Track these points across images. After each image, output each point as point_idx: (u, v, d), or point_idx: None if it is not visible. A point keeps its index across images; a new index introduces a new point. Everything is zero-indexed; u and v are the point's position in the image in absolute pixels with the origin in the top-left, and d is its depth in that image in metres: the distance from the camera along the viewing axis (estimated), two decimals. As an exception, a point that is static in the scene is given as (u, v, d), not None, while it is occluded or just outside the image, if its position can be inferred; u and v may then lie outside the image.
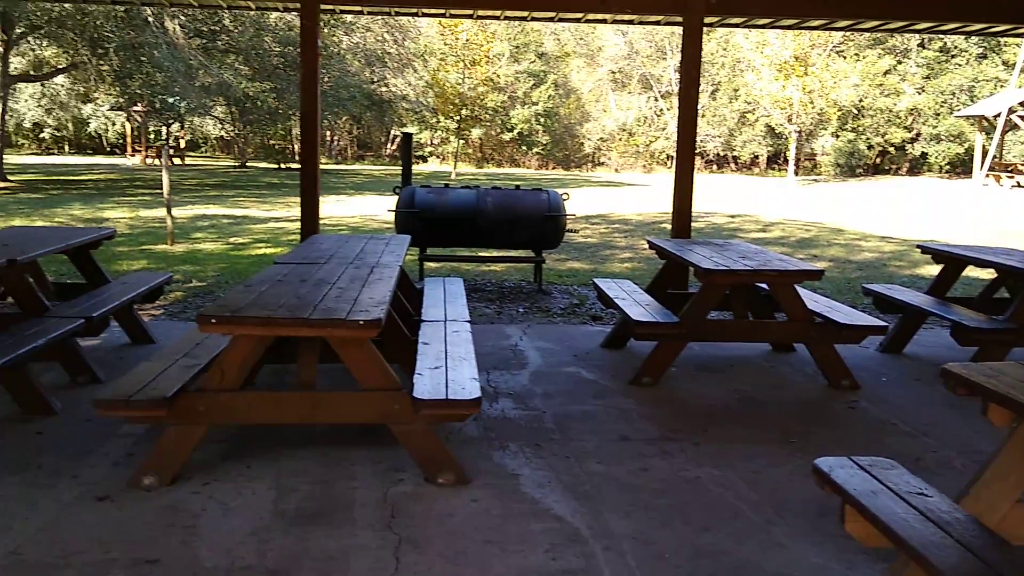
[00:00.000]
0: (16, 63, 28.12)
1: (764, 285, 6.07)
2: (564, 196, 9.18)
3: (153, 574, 3.03)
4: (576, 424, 4.81)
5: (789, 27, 7.97)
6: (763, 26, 7.96)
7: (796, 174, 37.37)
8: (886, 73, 39.68)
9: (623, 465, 4.21)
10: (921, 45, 41.45)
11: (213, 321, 3.53)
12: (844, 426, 4.97)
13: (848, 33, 38.70)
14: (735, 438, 4.66)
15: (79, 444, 4.29)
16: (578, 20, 8.17)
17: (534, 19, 8.31)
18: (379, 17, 32.63)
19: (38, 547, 3.20)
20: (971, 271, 7.39)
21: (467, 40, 35.19)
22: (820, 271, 5.40)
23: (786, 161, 45.30)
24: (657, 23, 8.02)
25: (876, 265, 11.69)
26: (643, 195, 26.71)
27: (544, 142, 49.63)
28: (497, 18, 8.27)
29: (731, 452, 4.43)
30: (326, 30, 28.91)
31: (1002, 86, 38.19)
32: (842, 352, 5.71)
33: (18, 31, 24.26)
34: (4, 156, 25.84)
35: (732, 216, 18.55)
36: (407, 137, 9.53)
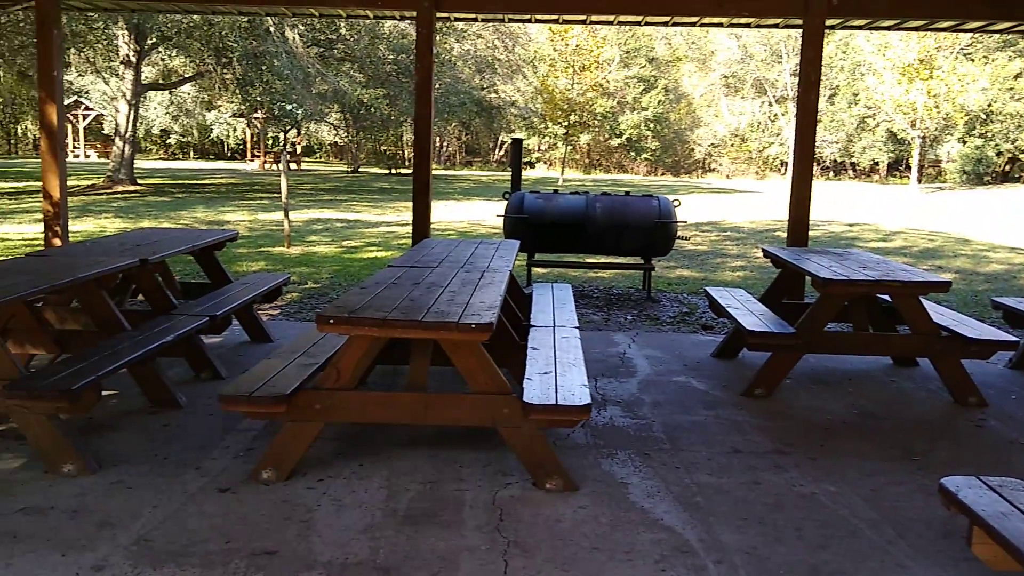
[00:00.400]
0: (147, 72, 29.61)
1: (886, 296, 5.84)
2: (675, 203, 9.06)
3: (271, 565, 3.12)
4: (686, 434, 4.73)
5: (916, 28, 7.65)
6: (888, 28, 7.67)
7: (919, 181, 35.90)
8: (1017, 76, 37.65)
9: (735, 478, 4.11)
10: (1057, 46, 39.13)
11: (331, 321, 3.62)
12: (969, 444, 4.72)
13: (977, 35, 36.98)
14: (853, 454, 4.49)
15: (202, 437, 4.47)
16: (693, 24, 8.05)
17: (648, 24, 8.22)
18: (490, 24, 33.00)
19: (165, 534, 3.34)
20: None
21: (577, 45, 35.20)
22: (947, 282, 5.15)
23: (908, 168, 43.55)
24: (775, 26, 7.84)
25: (1006, 278, 11.10)
26: (755, 202, 26.12)
27: (653, 148, 49.20)
28: (610, 23, 8.23)
29: (849, 468, 4.27)
30: (438, 38, 29.42)
31: None
32: (969, 368, 5.44)
33: (150, 42, 25.54)
34: (135, 161, 27.24)
35: (850, 225, 17.94)
36: (517, 143, 9.60)
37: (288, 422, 3.86)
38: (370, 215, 18.96)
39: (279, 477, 3.87)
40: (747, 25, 7.91)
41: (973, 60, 36.89)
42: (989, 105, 37.31)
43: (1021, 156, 39.58)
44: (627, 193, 9.26)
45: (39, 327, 5.04)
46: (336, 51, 27.11)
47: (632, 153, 49.73)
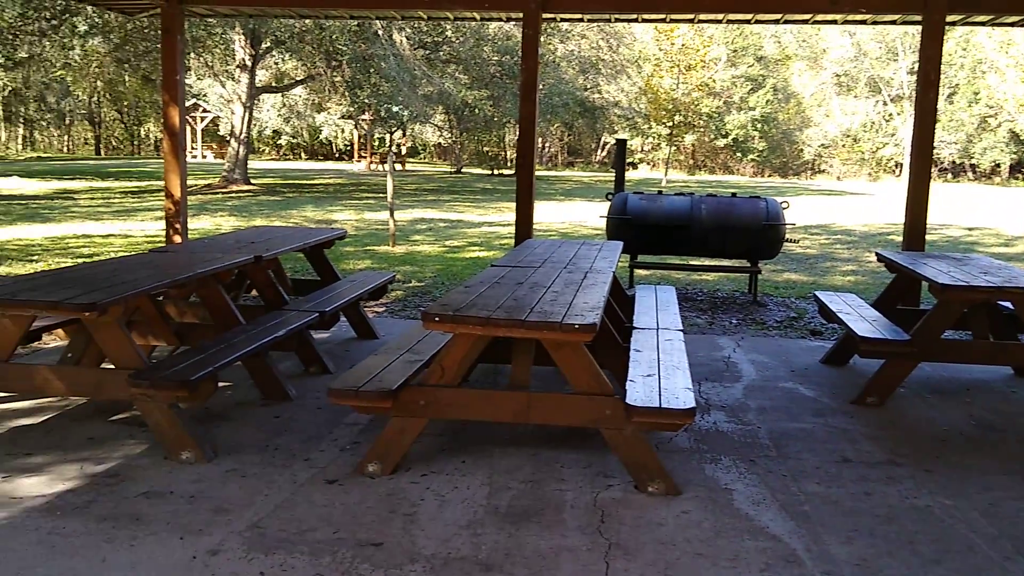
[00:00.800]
0: (261, 76, 30.66)
1: (1007, 304, 5.57)
2: (783, 204, 8.85)
3: (376, 556, 3.19)
4: (793, 442, 4.61)
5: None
6: (1013, 24, 7.29)
7: (1044, 184, 34.06)
8: None
9: (844, 488, 3.98)
10: None
11: (436, 319, 3.67)
12: (1102, 464, 4.45)
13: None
14: (970, 467, 4.30)
15: (311, 429, 4.60)
16: (805, 22, 7.85)
17: (758, 22, 8.06)
18: (594, 25, 32.91)
19: (276, 522, 3.45)
20: None
21: (683, 45, 34.76)
22: (1077, 290, 4.87)
23: (1032, 169, 41.43)
24: (892, 23, 7.55)
25: None
26: (867, 205, 25.28)
27: (760, 148, 48.18)
28: (719, 22, 8.10)
29: (965, 482, 4.09)
30: (543, 38, 29.55)
31: None
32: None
33: (264, 46, 26.45)
34: (248, 161, 28.25)
35: (969, 229, 17.17)
36: (621, 143, 9.54)
37: (393, 417, 3.94)
38: (472, 215, 19.16)
39: (384, 471, 3.95)
40: (862, 22, 7.66)
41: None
42: (1126, 103, 35.16)
43: None
44: (734, 194, 9.09)
45: (161, 320, 5.28)
46: (442, 53, 27.53)
47: (738, 154, 48.79)
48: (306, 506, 3.61)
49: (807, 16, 7.56)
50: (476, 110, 30.66)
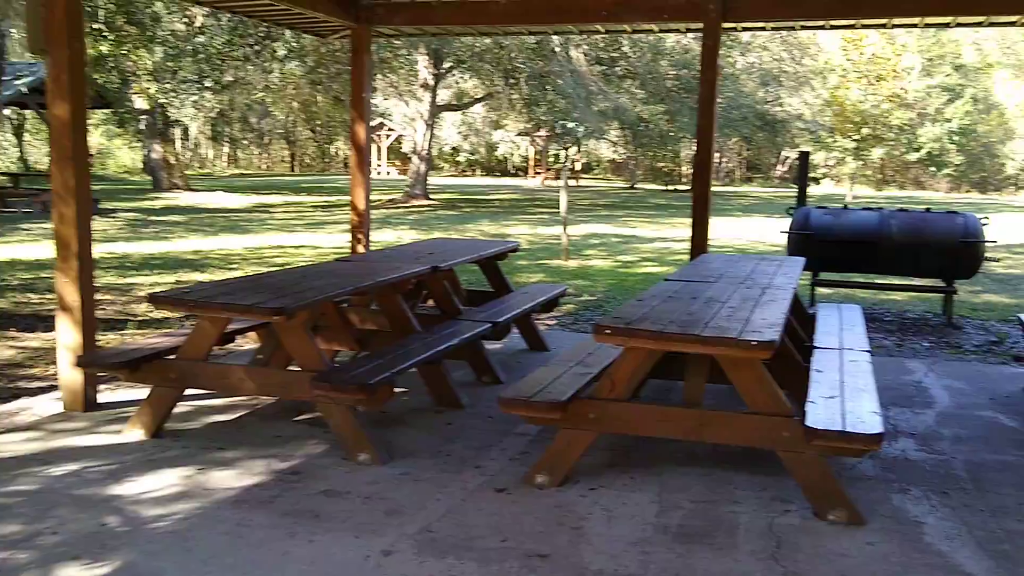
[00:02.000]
0: (442, 94, 31.73)
1: None
2: (983, 220, 8.22)
3: (543, 568, 3.18)
4: (993, 475, 4.24)
5: None
6: None
7: None
8: None
9: (1053, 529, 3.63)
10: None
11: (608, 332, 3.64)
12: None
13: None
14: None
15: (481, 438, 4.66)
16: (1012, 24, 7.25)
17: (959, 25, 7.52)
18: (777, 35, 31.97)
19: (446, 527, 3.51)
20: None
21: (873, 54, 33.12)
22: None
23: None
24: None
25: None
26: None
27: (957, 163, 45.07)
28: (915, 26, 7.63)
29: None
30: (722, 50, 29.02)
31: None
32: None
33: (446, 66, 27.34)
34: (428, 177, 29.25)
35: None
36: (804, 156, 9.17)
37: (563, 429, 3.92)
38: (646, 230, 18.98)
39: (552, 482, 3.94)
40: (1013, 23, 7.02)
41: None
42: None
43: None
44: (927, 209, 8.54)
45: (343, 325, 5.52)
46: (618, 68, 27.51)
47: (932, 168, 45.86)
48: (475, 513, 3.65)
49: (1015, 17, 7.00)
50: (651, 125, 30.38)
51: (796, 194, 9.08)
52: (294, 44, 23.47)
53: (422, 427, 4.85)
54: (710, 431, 3.79)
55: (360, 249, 8.04)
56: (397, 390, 5.32)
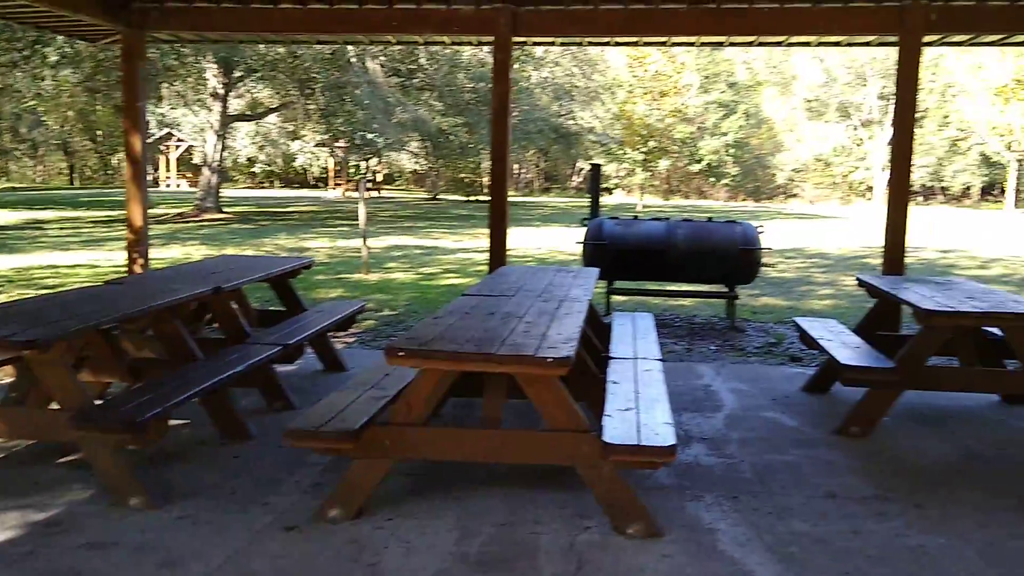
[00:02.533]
0: (234, 104, 30.46)
1: (994, 330, 5.44)
2: (759, 229, 8.72)
3: (334, 614, 2.95)
4: (777, 475, 4.42)
5: (1020, 44, 7.20)
6: (992, 44, 7.24)
7: (1016, 206, 34.42)
8: (1122, 95, 35.95)
9: (832, 526, 3.79)
10: None
11: (401, 354, 3.46)
12: (1097, 495, 4.29)
13: (1077, 52, 35.41)
14: (962, 501, 4.12)
15: (271, 470, 4.36)
16: (779, 44, 7.77)
17: (732, 44, 7.98)
18: (568, 51, 33.03)
19: (226, 575, 3.20)
20: None
21: (656, 71, 34.94)
22: (1065, 315, 4.73)
23: (1003, 192, 41.87)
24: (868, 44, 7.49)
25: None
26: (841, 228, 25.35)
27: (733, 173, 48.44)
28: (692, 44, 8.00)
29: (959, 518, 3.91)
30: (516, 65, 29.56)
31: None
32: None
33: (237, 74, 26.25)
34: (221, 190, 27.94)
35: (945, 251, 17.19)
36: (595, 168, 9.40)
37: (356, 459, 3.71)
38: (448, 241, 18.98)
39: (347, 515, 3.71)
40: (837, 44, 7.60)
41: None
42: (1092, 126, 35.68)
43: None
44: (710, 219, 8.97)
45: (114, 355, 5.02)
46: (416, 80, 27.44)
47: (712, 179, 49.05)
48: (261, 557, 3.36)
49: (781, 38, 7.48)
50: (451, 137, 30.56)
51: (589, 205, 9.27)
52: (68, 49, 21.73)
53: (205, 463, 4.47)
54: (509, 451, 3.70)
55: (138, 268, 7.45)
56: (179, 423, 4.91)
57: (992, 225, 28.03)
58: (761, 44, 7.90)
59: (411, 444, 3.69)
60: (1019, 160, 34.48)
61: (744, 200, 48.06)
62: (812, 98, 49.29)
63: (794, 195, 48.96)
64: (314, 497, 3.97)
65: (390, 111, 26.77)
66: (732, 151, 47.82)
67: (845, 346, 5.43)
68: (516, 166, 49.55)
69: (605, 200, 45.13)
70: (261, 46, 23.32)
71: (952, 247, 18.52)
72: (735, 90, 49.25)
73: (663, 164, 45.26)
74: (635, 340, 5.49)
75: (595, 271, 6.29)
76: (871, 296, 6.15)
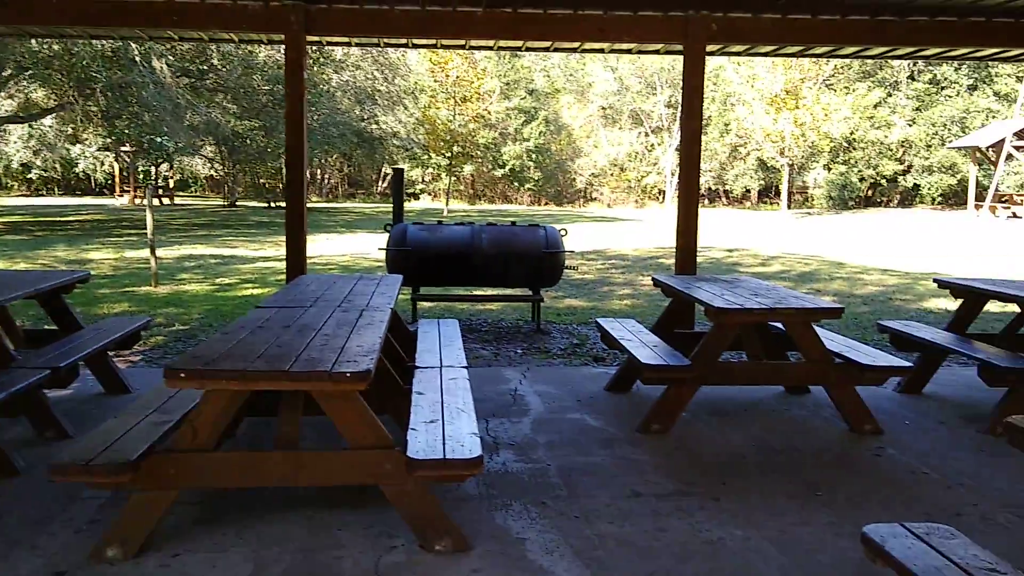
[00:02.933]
0: (5, 105, 27.88)
1: (778, 324, 5.75)
2: (562, 232, 8.87)
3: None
4: (584, 478, 4.44)
5: (793, 55, 7.73)
6: (766, 54, 7.72)
7: (789, 207, 37.28)
8: (876, 106, 39.81)
9: (637, 525, 3.83)
10: (911, 77, 41.65)
11: (182, 376, 3.17)
12: (872, 476, 4.60)
13: (839, 66, 38.88)
14: (757, 492, 4.29)
15: (41, 508, 3.90)
16: (574, 50, 7.93)
17: (528, 49, 8.05)
18: (369, 54, 32.61)
19: (-21, 638, 2.81)
20: (990, 306, 7.07)
21: (457, 77, 35.17)
22: (839, 308, 5.06)
23: (778, 195, 45.30)
24: (656, 52, 7.78)
25: (881, 299, 11.39)
26: (637, 230, 26.49)
27: (536, 178, 49.59)
28: (491, 48, 8.00)
29: (754, 509, 4.06)
30: (316, 67, 28.82)
31: (994, 117, 38.30)
32: (861, 394, 5.37)
33: (6, 73, 24.03)
34: (-10, 198, 25.48)
35: (730, 250, 18.31)
36: (398, 173, 9.24)
37: (135, 492, 3.37)
38: (246, 250, 18.19)
39: (127, 554, 3.37)
40: (628, 51, 7.83)
41: (835, 91, 38.76)
42: (851, 133, 39.24)
43: (883, 182, 41.73)
44: (513, 223, 9.02)
45: None
46: (208, 81, 26.16)
47: (515, 183, 49.98)
48: (22, 612, 2.97)
49: (576, 44, 7.62)
50: (248, 141, 29.36)
51: (392, 210, 9.09)
52: None
53: (-41, 507, 3.94)
54: (307, 474, 3.48)
55: None
56: (-77, 464, 4.32)
57: (769, 225, 30.20)
58: (557, 50, 8.02)
59: (198, 472, 3.40)
60: (790, 165, 37.39)
61: (547, 204, 49.29)
62: (607, 105, 51.37)
63: (593, 199, 50.75)
64: (90, 536, 3.58)
65: (180, 114, 25.36)
66: (534, 156, 48.96)
67: (644, 345, 5.56)
68: (320, 171, 48.43)
69: (411, 205, 44.96)
70: (33, 42, 21.46)
71: (736, 246, 19.76)
72: (535, 97, 50.47)
73: (468, 169, 45.72)
74: (441, 348, 5.38)
75: (398, 278, 6.14)
76: (666, 295, 6.36)
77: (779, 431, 5.36)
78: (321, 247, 18.44)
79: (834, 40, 7.00)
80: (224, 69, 25.46)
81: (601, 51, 7.84)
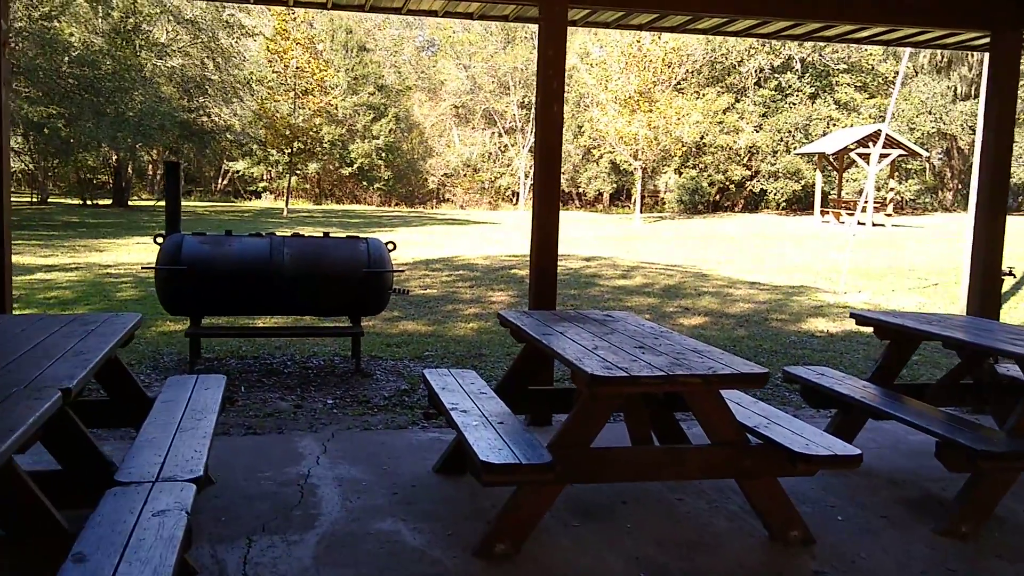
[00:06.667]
0: None
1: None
2: (388, 246, 7.07)
3: None
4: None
5: (675, 28, 6.21)
6: (642, 26, 6.16)
7: (641, 211, 36.74)
8: (725, 111, 39.90)
9: None
10: (758, 84, 42.08)
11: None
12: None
13: (690, 69, 38.69)
14: None
15: None
16: (397, 10, 6.15)
17: (373, 9, 6.16)
18: (198, 41, 29.75)
19: None
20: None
21: (298, 67, 32.64)
22: (764, 375, 3.49)
23: (628, 198, 44.95)
24: (505, 18, 6.10)
25: (756, 319, 10.17)
26: (490, 234, 24.89)
27: (386, 177, 47.43)
28: (324, 6, 6.12)
29: None
30: (129, 50, 25.81)
31: (835, 125, 39.08)
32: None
33: None
34: None
35: (588, 259, 16.92)
36: (172, 168, 7.15)
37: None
38: (31, 258, 15.43)
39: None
40: (469, 15, 6.12)
41: (685, 95, 38.55)
42: (702, 138, 39.15)
43: (731, 186, 41.97)
44: (326, 234, 7.15)
45: None
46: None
47: (365, 183, 47.63)
48: None
49: (399, 3, 5.87)
50: (45, 130, 25.77)
51: (165, 216, 7.01)
52: None
53: None
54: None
55: None
56: None
57: (624, 230, 29.31)
58: (374, 9, 6.23)
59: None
60: (643, 168, 36.86)
61: (398, 205, 47.21)
62: (459, 104, 49.80)
63: (446, 200, 49.06)
64: None
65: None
66: (384, 155, 46.77)
67: (484, 422, 3.85)
68: (151, 167, 44.45)
69: (250, 204, 41.96)
70: None
71: (593, 254, 18.42)
72: (384, 93, 48.26)
73: (312, 167, 43.04)
74: (175, 436, 3.50)
75: (130, 319, 4.20)
76: (519, 341, 4.68)
77: (673, 543, 3.76)
78: (113, 256, 15.88)
79: (733, 9, 5.52)
80: (15, 48, 22.18)
81: (434, 13, 6.10)
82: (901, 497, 4.43)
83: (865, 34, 6.31)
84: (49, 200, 36.27)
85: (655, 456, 3.77)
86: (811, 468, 3.59)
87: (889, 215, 31.62)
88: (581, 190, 46.77)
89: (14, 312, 8.86)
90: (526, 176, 45.24)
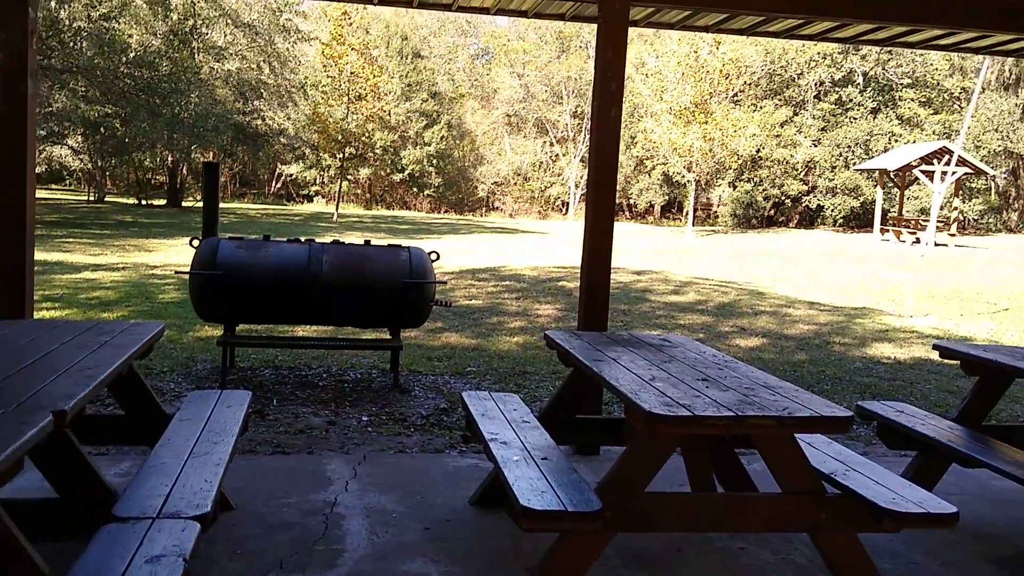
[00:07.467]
0: None
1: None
2: (432, 256, 6.74)
3: None
4: None
5: (744, 30, 5.77)
6: (708, 28, 5.72)
7: (693, 224, 36.07)
8: (783, 124, 39.07)
9: None
10: (817, 97, 41.16)
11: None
12: None
13: (747, 81, 37.95)
14: None
15: None
16: (476, 10, 5.81)
17: (423, 5, 5.85)
18: (255, 44, 29.91)
19: None
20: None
21: (352, 72, 32.65)
22: (849, 418, 3.07)
23: (680, 210, 44.26)
24: (561, 17, 5.72)
25: (817, 343, 9.63)
26: (539, 244, 24.53)
27: (436, 184, 47.36)
28: (371, 1, 5.82)
29: None
30: (186, 52, 26.00)
31: (897, 140, 38.02)
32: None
33: None
34: None
35: (638, 273, 16.45)
36: (210, 168, 6.90)
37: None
38: (81, 256, 15.45)
39: None
40: (523, 13, 5.77)
41: (742, 107, 37.81)
42: (758, 151, 38.35)
43: (787, 201, 41.06)
44: (367, 242, 6.84)
45: None
46: (55, 60, 22.99)
47: (415, 189, 47.64)
48: None
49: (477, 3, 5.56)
50: (103, 129, 26.03)
51: (203, 219, 6.76)
52: None
53: None
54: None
55: None
56: None
57: (675, 243, 28.72)
58: (460, 9, 5.91)
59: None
60: (696, 181, 36.20)
61: (447, 212, 47.10)
62: (512, 113, 49.58)
63: (495, 208, 48.85)
64: None
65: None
66: (435, 162, 46.73)
67: (526, 458, 3.47)
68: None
69: (301, 208, 42.15)
70: None
71: (644, 268, 17.93)
72: (437, 100, 48.24)
73: (364, 172, 43.14)
74: (186, 463, 3.19)
75: (151, 329, 3.91)
76: (566, 365, 4.30)
77: (739, 603, 3.35)
78: (162, 256, 15.86)
79: (805, 9, 5.08)
80: (75, 47, 22.42)
81: (486, 11, 5.75)
82: (991, 554, 3.95)
83: (953, 40, 5.83)
84: (106, 199, 36.80)
85: (717, 505, 3.34)
86: (898, 525, 3.14)
87: (952, 235, 30.56)
88: (632, 201, 46.17)
89: (44, 316, 8.72)
90: (576, 186, 44.84)
